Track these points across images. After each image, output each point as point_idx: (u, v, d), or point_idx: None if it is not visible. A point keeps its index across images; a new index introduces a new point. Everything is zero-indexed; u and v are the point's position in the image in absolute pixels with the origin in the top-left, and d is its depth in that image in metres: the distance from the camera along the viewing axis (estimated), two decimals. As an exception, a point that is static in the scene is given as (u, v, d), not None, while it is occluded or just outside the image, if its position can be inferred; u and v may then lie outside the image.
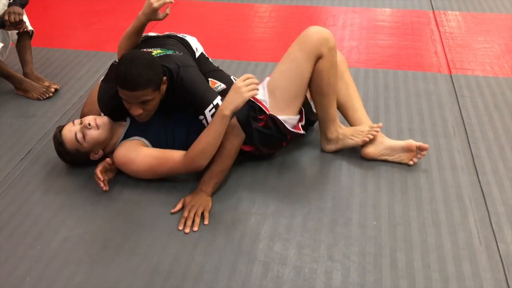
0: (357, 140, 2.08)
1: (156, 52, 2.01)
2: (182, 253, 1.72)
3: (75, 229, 1.84)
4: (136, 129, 1.99)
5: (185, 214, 1.84)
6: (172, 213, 1.88)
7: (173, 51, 2.04)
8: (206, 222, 1.83)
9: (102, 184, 1.93)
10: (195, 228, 1.80)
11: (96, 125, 1.94)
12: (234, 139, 1.95)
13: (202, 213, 1.85)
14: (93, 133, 1.94)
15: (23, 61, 2.71)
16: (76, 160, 2.02)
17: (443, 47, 3.05)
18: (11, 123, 2.44)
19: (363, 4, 3.74)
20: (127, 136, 1.99)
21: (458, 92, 2.58)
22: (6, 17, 2.46)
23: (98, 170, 1.94)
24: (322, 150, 2.18)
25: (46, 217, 1.89)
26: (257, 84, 1.83)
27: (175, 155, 1.90)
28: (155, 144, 1.99)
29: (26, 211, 1.92)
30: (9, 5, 2.54)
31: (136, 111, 1.84)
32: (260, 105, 1.96)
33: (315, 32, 1.98)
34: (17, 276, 1.66)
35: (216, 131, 1.83)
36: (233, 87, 1.83)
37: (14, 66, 2.83)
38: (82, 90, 2.70)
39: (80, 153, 1.97)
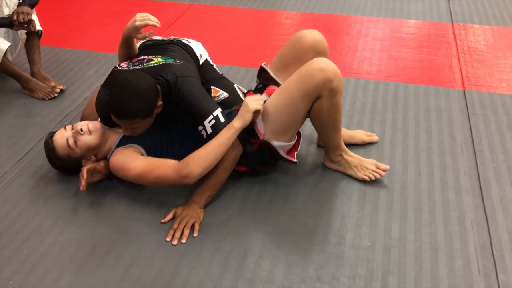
0: (359, 174, 2.02)
1: (156, 60, 1.98)
2: (167, 265, 1.68)
3: (63, 233, 1.82)
4: (132, 137, 1.96)
5: (175, 225, 1.80)
6: (162, 223, 1.84)
7: (173, 59, 2.01)
8: (195, 234, 1.79)
9: (83, 183, 1.86)
10: (183, 241, 1.76)
11: (89, 130, 1.92)
12: (231, 151, 1.90)
13: (192, 225, 1.81)
14: (85, 139, 1.91)
15: (31, 61, 2.72)
16: (68, 166, 1.99)
17: (459, 62, 2.94)
18: (13, 123, 2.45)
19: (380, 14, 3.65)
20: (122, 143, 1.96)
21: (470, 109, 2.48)
22: (15, 17, 2.47)
23: (85, 168, 1.90)
24: (323, 164, 2.11)
25: (37, 219, 1.88)
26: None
27: (170, 162, 1.85)
28: (151, 152, 1.95)
29: (18, 212, 1.91)
30: (19, 4, 2.55)
31: (126, 131, 1.88)
32: (256, 128, 1.89)
33: (319, 71, 1.80)
34: (0, 280, 1.64)
35: (219, 140, 1.80)
36: (243, 104, 1.85)
37: (23, 65, 2.85)
38: (87, 92, 2.69)
39: (72, 159, 1.94)
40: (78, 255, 1.73)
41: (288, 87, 1.89)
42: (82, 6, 3.84)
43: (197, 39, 2.30)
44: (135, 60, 2.03)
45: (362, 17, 3.60)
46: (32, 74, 2.70)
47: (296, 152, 1.97)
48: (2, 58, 2.53)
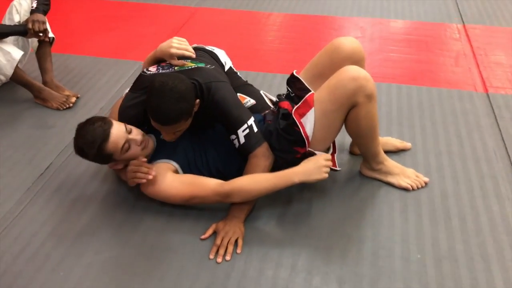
0: (401, 183, 1.97)
1: (187, 64, 1.91)
2: (214, 284, 1.61)
3: (100, 253, 1.73)
4: (163, 152, 1.89)
5: (218, 242, 1.73)
6: (202, 239, 1.77)
7: (204, 64, 1.94)
8: (239, 251, 1.72)
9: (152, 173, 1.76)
10: (228, 258, 1.69)
11: (144, 146, 1.83)
12: (265, 161, 1.85)
13: (235, 241, 1.74)
14: (136, 152, 1.80)
15: (42, 69, 2.61)
16: (96, 159, 1.82)
17: (477, 64, 2.93)
18: (29, 134, 2.34)
19: (390, 15, 3.62)
20: (153, 158, 1.89)
21: (497, 113, 2.46)
22: (30, 25, 2.37)
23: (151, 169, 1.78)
24: (359, 172, 2.06)
25: (69, 239, 1.79)
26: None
27: (209, 183, 1.77)
28: (185, 166, 1.88)
29: (48, 231, 1.82)
30: (32, 12, 2.44)
31: (168, 137, 1.79)
32: (305, 138, 1.82)
33: (351, 80, 1.73)
34: (38, 305, 1.56)
35: (272, 184, 1.74)
36: (313, 159, 1.76)
37: (32, 72, 2.74)
38: (103, 101, 2.60)
39: (109, 158, 1.80)
40: (119, 275, 1.65)
41: (321, 100, 1.81)
42: (85, 10, 3.72)
43: (208, 44, 2.23)
44: (163, 64, 1.95)
45: (372, 19, 3.57)
46: (44, 83, 2.59)
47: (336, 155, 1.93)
48: (14, 68, 2.42)
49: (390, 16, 3.61)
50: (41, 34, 2.43)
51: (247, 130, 1.83)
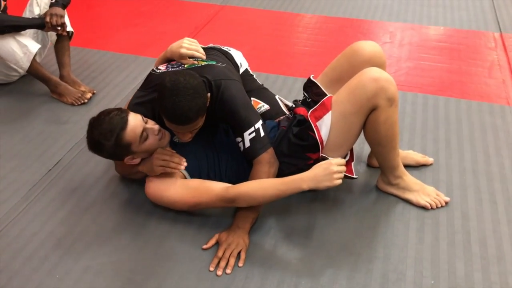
0: (420, 200, 1.86)
1: (198, 62, 1.85)
2: (211, 299, 1.54)
3: (97, 257, 1.68)
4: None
5: (220, 254, 1.65)
6: (204, 249, 1.70)
7: (215, 62, 1.87)
8: (241, 264, 1.64)
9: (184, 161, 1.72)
10: (228, 271, 1.62)
11: (161, 136, 1.74)
12: (270, 167, 1.77)
13: (238, 253, 1.66)
14: (154, 141, 1.72)
15: (60, 63, 2.59)
16: (112, 152, 1.70)
17: (512, 76, 2.76)
18: (42, 130, 2.32)
19: (423, 21, 3.47)
20: None
21: (530, 130, 2.31)
22: (48, 19, 2.34)
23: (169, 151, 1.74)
24: (376, 186, 1.95)
25: (68, 240, 1.74)
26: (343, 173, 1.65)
27: (214, 188, 1.70)
28: (195, 172, 1.81)
29: (49, 231, 1.78)
30: (51, 5, 2.42)
31: (185, 137, 1.71)
32: (319, 142, 1.73)
33: (372, 80, 1.65)
34: (31, 308, 1.51)
35: (279, 191, 1.64)
36: (324, 164, 1.62)
37: (51, 67, 2.72)
38: (118, 98, 2.56)
39: (126, 149, 1.69)
40: (115, 283, 1.59)
41: (340, 102, 1.73)
42: (110, 5, 3.70)
43: (230, 43, 2.17)
44: (173, 62, 1.89)
45: (404, 23, 3.42)
46: (61, 77, 2.57)
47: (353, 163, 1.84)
48: (31, 61, 2.40)
49: (422, 21, 3.46)
50: (58, 28, 2.41)
51: (254, 134, 1.75)
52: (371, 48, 1.87)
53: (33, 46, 2.39)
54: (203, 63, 1.84)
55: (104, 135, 1.64)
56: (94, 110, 2.44)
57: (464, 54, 3.02)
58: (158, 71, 1.84)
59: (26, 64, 2.40)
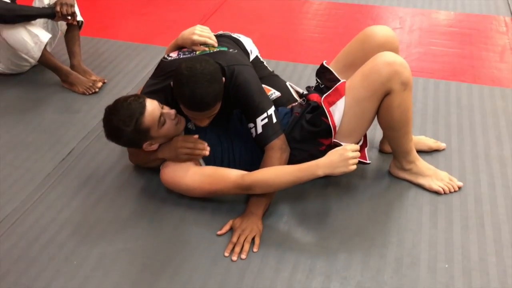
0: (433, 185, 1.85)
1: (209, 48, 1.85)
2: (227, 283, 1.55)
3: (113, 244, 1.70)
4: None
5: (234, 239, 1.66)
6: (218, 235, 1.71)
7: (227, 48, 1.87)
8: (255, 249, 1.66)
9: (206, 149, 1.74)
10: (243, 256, 1.63)
11: (178, 121, 1.74)
12: (282, 154, 1.78)
13: (252, 239, 1.68)
14: (171, 125, 1.72)
15: (71, 53, 2.59)
16: (131, 138, 1.69)
17: (524, 60, 2.74)
18: (54, 119, 2.34)
19: (433, 6, 3.43)
20: None
21: (542, 115, 2.29)
22: (58, 8, 2.35)
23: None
24: (389, 171, 1.96)
25: (84, 227, 1.76)
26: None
27: (230, 175, 1.71)
28: (209, 160, 1.81)
29: (64, 218, 1.80)
30: (61, -6, 2.42)
31: (202, 122, 1.71)
32: (332, 127, 1.73)
33: (386, 65, 1.65)
34: (50, 293, 1.54)
35: (294, 177, 1.64)
36: (339, 150, 1.62)
37: (61, 56, 2.73)
38: (129, 87, 2.56)
39: (145, 134, 1.69)
40: (131, 269, 1.61)
41: (353, 87, 1.73)
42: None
43: (239, 31, 2.16)
44: (185, 49, 1.89)
45: (414, 9, 3.40)
46: (72, 67, 2.58)
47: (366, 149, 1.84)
48: (42, 50, 2.41)
49: (432, 6, 3.43)
50: (69, 18, 2.41)
51: (266, 120, 1.76)
52: (384, 32, 1.86)
53: (44, 36, 2.40)
54: (215, 50, 1.84)
55: (124, 121, 1.65)
56: (105, 99, 2.46)
57: (475, 39, 2.99)
58: (169, 58, 1.85)
59: (37, 54, 2.41)
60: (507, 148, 2.09)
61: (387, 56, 1.67)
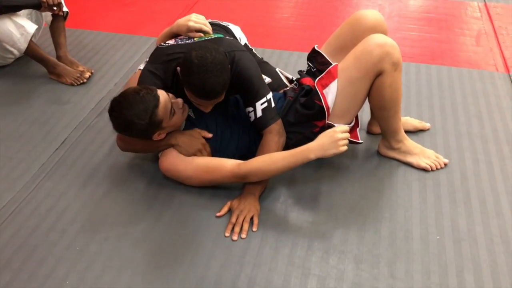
0: (421, 163, 1.93)
1: (206, 35, 1.88)
2: (230, 262, 1.60)
3: (114, 229, 1.72)
4: None
5: (233, 219, 1.71)
6: (217, 217, 1.76)
7: (223, 35, 1.91)
8: (254, 228, 1.71)
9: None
10: (243, 235, 1.68)
11: (184, 109, 1.77)
12: (280, 137, 1.83)
13: (251, 219, 1.73)
14: (179, 114, 1.75)
15: (56, 44, 2.58)
16: (144, 130, 1.70)
17: (499, 44, 2.85)
18: (44, 110, 2.33)
19: (409, -7, 3.53)
20: None
21: (519, 94, 2.40)
22: (44, -1, 2.34)
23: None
24: (377, 151, 2.03)
25: (84, 214, 1.78)
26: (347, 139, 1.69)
27: (226, 165, 1.74)
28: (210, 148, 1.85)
29: (63, 206, 1.82)
30: (47, -15, 2.41)
31: (207, 109, 1.74)
32: (326, 109, 1.79)
33: (377, 46, 1.72)
34: (55, 278, 1.56)
35: (288, 162, 1.68)
36: (329, 133, 1.66)
37: (46, 48, 2.72)
38: (117, 77, 2.57)
39: (158, 126, 1.70)
40: (134, 253, 1.64)
41: (346, 68, 1.79)
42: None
43: (223, 20, 2.18)
44: (181, 37, 1.91)
45: (390, -4, 3.49)
46: (58, 58, 2.57)
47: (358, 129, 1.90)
48: (28, 42, 2.40)
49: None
50: (55, 8, 2.40)
51: (266, 104, 1.80)
52: (374, 16, 1.93)
53: (30, 27, 2.38)
54: (212, 36, 1.87)
55: (138, 115, 1.64)
56: (94, 90, 2.47)
57: (452, 24, 3.10)
58: (166, 44, 1.87)
59: (23, 45, 2.39)
60: (487, 126, 2.20)
61: (378, 38, 1.74)
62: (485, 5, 3.33)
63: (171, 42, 1.88)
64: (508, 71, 2.60)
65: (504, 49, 2.79)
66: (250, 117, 1.83)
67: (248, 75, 1.78)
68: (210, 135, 1.83)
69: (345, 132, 1.68)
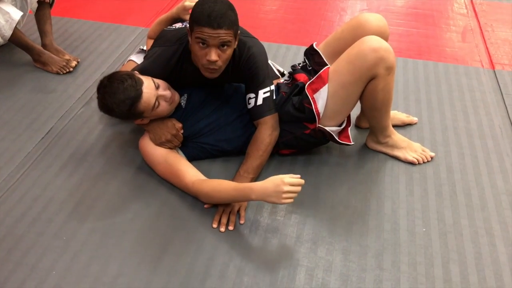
0: (408, 157, 1.95)
1: None
2: (218, 253, 1.60)
3: (102, 219, 1.71)
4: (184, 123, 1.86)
5: (220, 210, 1.71)
6: (206, 208, 1.75)
7: None
8: (242, 221, 1.71)
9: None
10: (231, 227, 1.68)
11: (172, 100, 1.77)
12: (273, 131, 1.83)
13: (238, 211, 1.73)
14: (164, 108, 1.76)
15: (42, 32, 2.54)
16: (124, 117, 1.75)
17: (484, 40, 2.89)
18: (29, 99, 2.29)
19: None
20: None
21: (503, 90, 2.44)
22: (28, -15, 2.29)
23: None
24: (366, 145, 2.04)
25: (70, 203, 1.76)
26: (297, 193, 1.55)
27: (186, 176, 1.73)
28: (206, 138, 1.88)
29: (49, 196, 1.79)
30: (31, -29, 2.36)
31: (214, 56, 1.62)
32: (316, 115, 1.79)
33: (372, 51, 1.67)
34: (42, 269, 1.54)
35: (232, 196, 1.64)
36: (277, 180, 1.51)
37: (31, 35, 2.67)
38: (104, 66, 2.54)
39: (138, 116, 1.74)
40: (122, 242, 1.63)
41: (339, 71, 1.76)
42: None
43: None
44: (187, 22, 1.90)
45: (378, -9, 3.50)
46: (44, 46, 2.53)
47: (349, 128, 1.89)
48: (13, 29, 2.35)
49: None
50: (41, -5, 2.36)
51: (268, 94, 1.80)
52: (377, 23, 1.87)
53: (16, 13, 2.34)
54: None
55: (118, 104, 1.67)
56: (80, 79, 2.44)
57: (438, 20, 3.13)
58: (174, 27, 1.87)
59: (8, 32, 2.35)
60: (472, 120, 2.23)
61: (373, 42, 1.70)
62: (471, 1, 3.37)
63: (178, 25, 1.87)
64: (493, 67, 2.64)
65: (489, 45, 2.83)
66: (249, 104, 1.81)
67: (257, 63, 1.77)
68: (180, 125, 1.82)
69: (297, 185, 1.52)
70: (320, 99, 1.77)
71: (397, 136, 1.97)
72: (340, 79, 1.75)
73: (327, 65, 1.86)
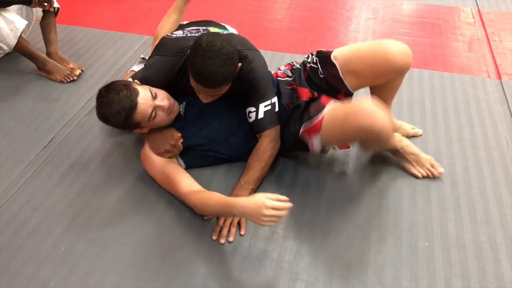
0: (412, 170, 1.92)
1: (214, 29, 1.86)
2: (217, 265, 1.58)
3: (101, 229, 1.70)
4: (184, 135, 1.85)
5: (220, 222, 1.69)
6: (205, 220, 1.74)
7: (235, 30, 1.90)
8: (242, 232, 1.69)
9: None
10: (231, 239, 1.66)
11: (171, 110, 1.76)
12: (275, 144, 1.83)
13: (238, 222, 1.71)
14: (162, 119, 1.75)
15: (47, 40, 2.55)
16: (121, 127, 1.75)
17: (491, 50, 2.86)
18: (33, 107, 2.30)
19: (402, -3, 3.53)
20: None
21: (510, 101, 2.40)
22: (35, -6, 2.30)
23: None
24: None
25: (70, 214, 1.76)
26: (282, 217, 1.43)
27: (182, 186, 1.71)
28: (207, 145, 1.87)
29: (49, 205, 1.79)
30: (37, -20, 2.37)
31: (206, 99, 1.67)
32: (311, 151, 1.80)
33: (365, 114, 1.55)
34: (39, 279, 1.54)
35: (218, 210, 1.58)
36: (259, 202, 1.40)
37: (36, 44, 2.68)
38: (108, 75, 2.54)
39: (135, 126, 1.73)
40: (121, 253, 1.62)
41: (334, 118, 1.69)
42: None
43: (216, 20, 2.16)
44: (188, 30, 1.90)
45: (384, 0, 3.48)
46: (48, 54, 2.54)
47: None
48: (18, 38, 2.36)
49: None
50: (45, 4, 2.37)
51: (269, 107, 1.79)
52: (404, 59, 1.78)
53: (20, 22, 2.35)
54: (221, 31, 1.85)
55: (113, 115, 1.65)
56: (84, 87, 2.44)
57: (445, 29, 3.10)
58: (174, 36, 1.86)
59: (13, 41, 2.36)
60: (478, 132, 2.19)
61: (367, 107, 1.58)
62: (478, 11, 3.34)
63: (179, 33, 1.86)
64: (500, 77, 2.60)
65: (496, 55, 2.80)
66: (250, 118, 1.79)
67: (258, 76, 1.75)
68: (179, 135, 1.81)
69: (279, 209, 1.41)
70: (315, 141, 1.76)
71: (403, 143, 1.94)
72: (335, 131, 1.69)
73: (341, 79, 1.80)
